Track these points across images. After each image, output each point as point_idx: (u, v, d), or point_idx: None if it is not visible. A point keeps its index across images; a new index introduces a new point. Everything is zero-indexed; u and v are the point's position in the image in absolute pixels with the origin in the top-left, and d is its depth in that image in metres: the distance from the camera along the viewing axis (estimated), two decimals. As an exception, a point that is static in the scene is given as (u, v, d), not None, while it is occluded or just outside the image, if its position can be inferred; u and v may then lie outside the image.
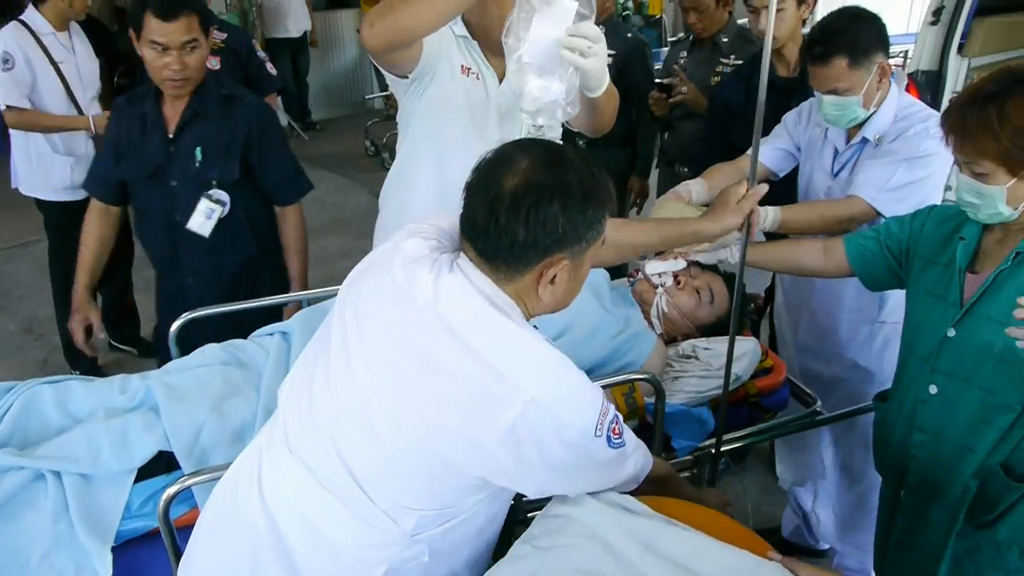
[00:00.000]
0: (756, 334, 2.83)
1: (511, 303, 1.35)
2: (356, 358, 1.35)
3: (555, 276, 1.34)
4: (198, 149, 2.64)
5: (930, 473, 1.84)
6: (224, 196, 2.67)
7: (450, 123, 2.10)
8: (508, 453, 1.27)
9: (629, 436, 1.48)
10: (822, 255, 2.07)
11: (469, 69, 2.12)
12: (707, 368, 2.23)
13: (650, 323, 2.36)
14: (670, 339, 2.41)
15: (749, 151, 2.46)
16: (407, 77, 2.07)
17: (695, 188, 2.38)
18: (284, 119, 8.58)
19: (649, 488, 1.58)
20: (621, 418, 1.45)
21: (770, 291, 2.97)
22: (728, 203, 1.92)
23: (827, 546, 3.00)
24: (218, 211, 2.66)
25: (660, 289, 2.39)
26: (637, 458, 1.52)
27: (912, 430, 1.86)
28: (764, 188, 1.92)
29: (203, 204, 2.65)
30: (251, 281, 2.83)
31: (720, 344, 2.25)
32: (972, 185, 1.62)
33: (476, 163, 1.36)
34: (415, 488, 1.36)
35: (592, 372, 2.15)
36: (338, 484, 1.37)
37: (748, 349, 2.28)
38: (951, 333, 1.75)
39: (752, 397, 2.33)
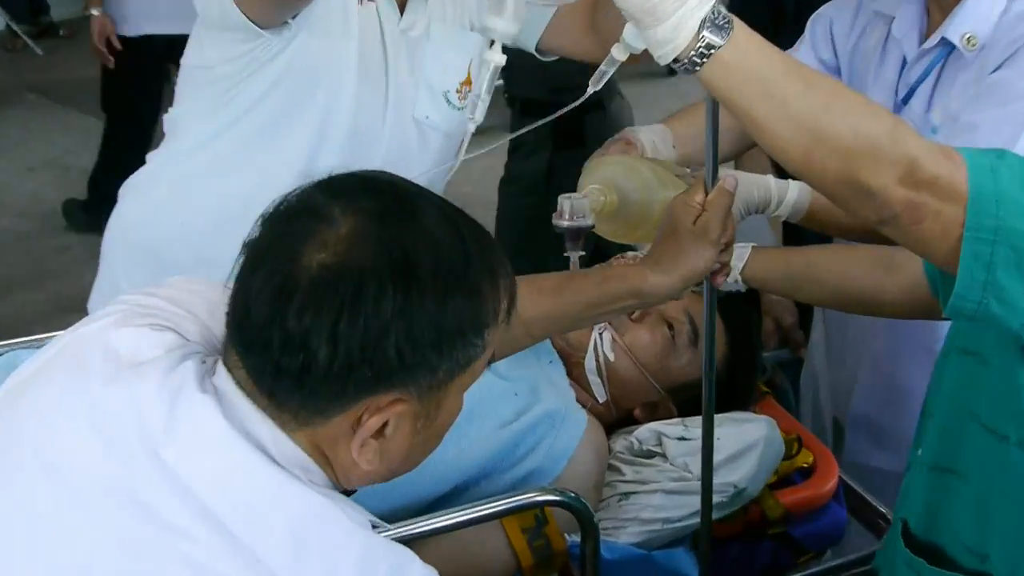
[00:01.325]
0: (790, 400, 1.81)
1: (302, 458, 0.91)
2: (23, 499, 0.93)
3: (385, 426, 0.89)
4: None
5: None
6: None
7: (330, 81, 1.48)
8: None
9: None
10: (881, 271, 1.29)
11: None
12: (684, 476, 1.29)
13: (581, 387, 1.43)
14: (619, 417, 1.47)
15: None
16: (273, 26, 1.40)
17: (649, 137, 1.47)
18: (1, 20, 5.97)
19: None
20: None
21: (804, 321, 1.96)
22: (679, 228, 1.15)
23: None
24: None
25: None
26: None
27: None
28: (732, 181, 1.17)
29: None
30: None
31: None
32: None
33: (268, 210, 0.91)
34: None
35: (468, 490, 1.27)
36: None
37: (758, 437, 1.33)
38: None
39: (774, 525, 1.38)
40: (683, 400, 1.42)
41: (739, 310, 1.48)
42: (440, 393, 0.92)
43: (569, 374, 1.40)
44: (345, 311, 0.87)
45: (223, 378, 0.94)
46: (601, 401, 1.41)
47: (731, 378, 1.42)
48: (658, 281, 1.15)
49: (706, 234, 1.13)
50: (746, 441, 1.31)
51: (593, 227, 1.28)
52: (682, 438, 1.33)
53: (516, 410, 1.27)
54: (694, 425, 1.32)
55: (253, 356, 0.91)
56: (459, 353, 0.90)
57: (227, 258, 0.90)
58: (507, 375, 1.30)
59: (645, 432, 1.36)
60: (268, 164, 1.43)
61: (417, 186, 0.96)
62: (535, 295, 1.15)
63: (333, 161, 1.35)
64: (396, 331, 0.86)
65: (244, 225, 0.91)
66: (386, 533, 1.08)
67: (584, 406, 1.35)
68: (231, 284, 0.93)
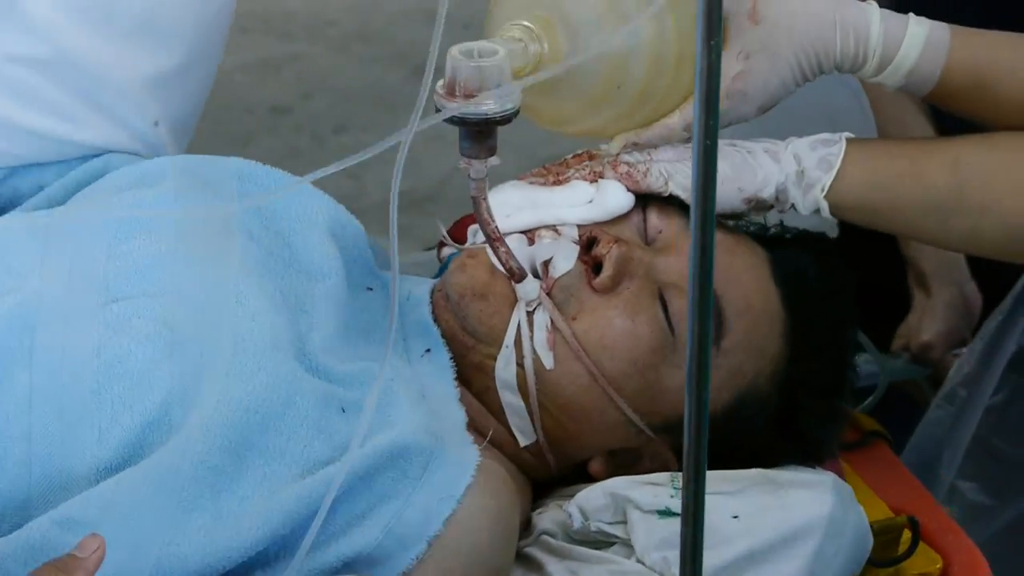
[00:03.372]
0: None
1: None
2: None
3: None
4: None
5: None
6: None
7: None
8: None
9: None
10: None
11: None
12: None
13: (488, 411, 0.76)
14: (561, 474, 0.79)
15: None
16: None
17: None
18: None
19: None
20: None
21: None
22: None
23: None
24: None
25: (530, 286, 0.73)
26: None
27: None
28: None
29: None
30: None
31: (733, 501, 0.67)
32: None
33: None
34: None
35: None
36: None
37: (810, 519, 0.67)
38: None
39: None
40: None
41: (816, 270, 0.80)
42: None
43: (465, 383, 0.75)
44: None
45: None
46: (526, 444, 0.76)
47: (788, 406, 0.77)
48: None
49: None
50: (785, 527, 0.66)
51: (516, 111, 0.64)
52: (667, 512, 0.68)
53: (338, 442, 0.66)
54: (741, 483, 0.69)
55: None
56: None
57: None
58: (332, 369, 0.70)
59: (595, 496, 0.70)
60: None
61: None
62: None
63: None
64: None
65: None
66: None
67: (483, 435, 0.73)
68: None
